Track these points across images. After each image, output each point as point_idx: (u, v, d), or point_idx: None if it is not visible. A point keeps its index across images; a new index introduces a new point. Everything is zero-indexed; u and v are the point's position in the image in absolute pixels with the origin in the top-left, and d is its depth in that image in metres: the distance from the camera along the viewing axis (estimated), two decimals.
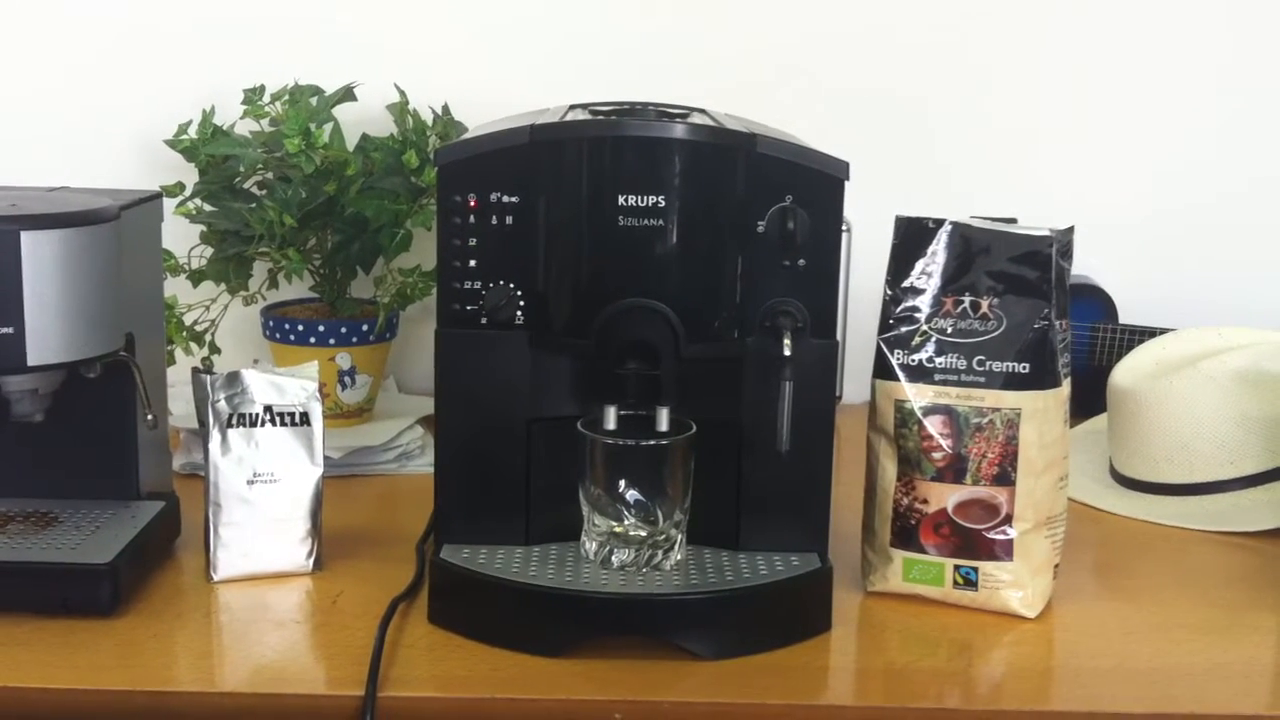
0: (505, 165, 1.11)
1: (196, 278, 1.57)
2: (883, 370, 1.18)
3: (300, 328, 1.55)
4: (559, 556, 1.15)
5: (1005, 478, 1.15)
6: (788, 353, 1.10)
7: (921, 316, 1.17)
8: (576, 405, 1.17)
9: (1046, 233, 1.16)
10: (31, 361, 1.10)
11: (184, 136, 1.57)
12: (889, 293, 1.19)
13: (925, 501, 1.17)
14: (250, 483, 1.19)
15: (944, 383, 1.16)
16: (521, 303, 1.12)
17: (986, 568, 1.16)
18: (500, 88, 1.70)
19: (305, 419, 1.21)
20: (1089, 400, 1.53)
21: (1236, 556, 1.33)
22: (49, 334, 1.10)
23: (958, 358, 1.16)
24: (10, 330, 1.09)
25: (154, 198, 1.29)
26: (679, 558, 1.15)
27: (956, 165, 1.79)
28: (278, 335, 1.57)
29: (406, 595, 1.16)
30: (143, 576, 1.18)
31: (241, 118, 1.59)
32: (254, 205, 1.54)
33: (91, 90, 1.74)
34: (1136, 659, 1.10)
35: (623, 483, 1.13)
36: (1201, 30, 1.78)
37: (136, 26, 1.74)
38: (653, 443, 1.13)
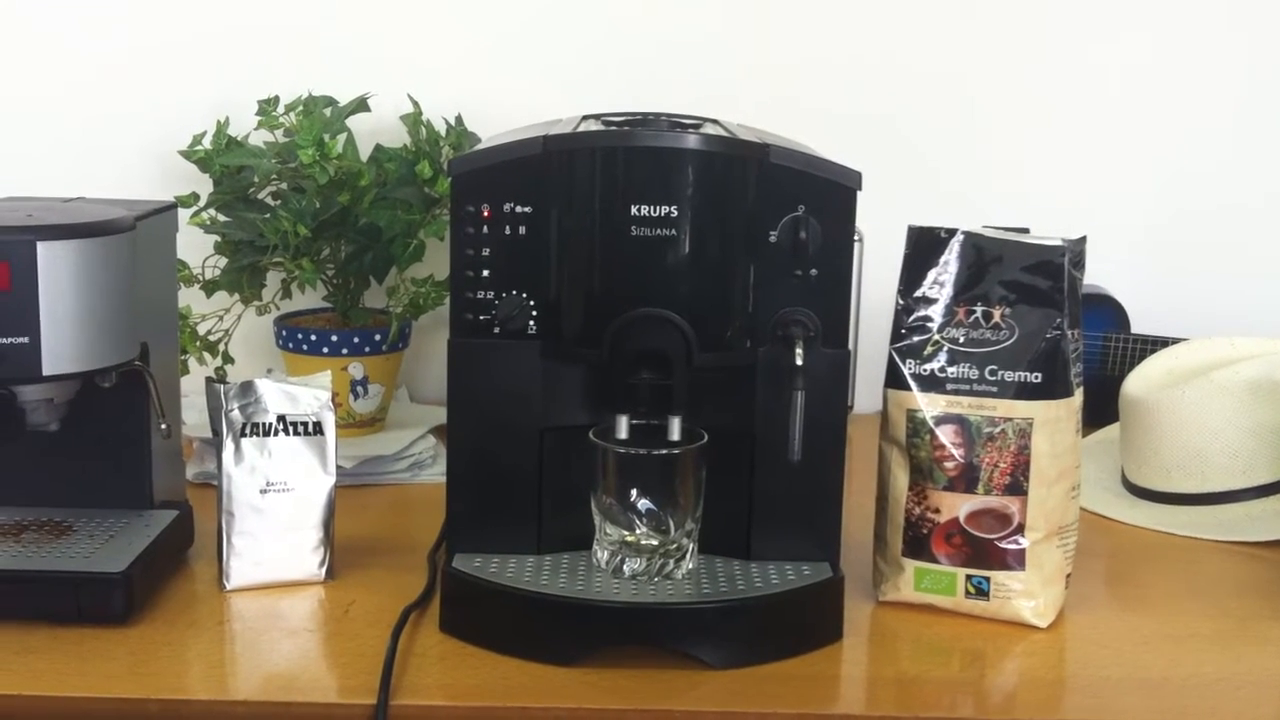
0: (518, 175, 1.11)
1: (210, 288, 1.58)
2: (895, 380, 1.18)
3: (313, 337, 1.56)
4: (570, 565, 1.15)
5: (1017, 487, 1.15)
6: (799, 362, 1.10)
7: (934, 326, 1.17)
8: (588, 414, 1.17)
9: (1059, 242, 1.16)
10: (47, 371, 1.11)
11: (198, 147, 1.58)
12: (901, 302, 1.19)
13: (937, 511, 1.17)
14: (263, 492, 1.20)
15: (956, 392, 1.16)
16: (534, 312, 1.13)
17: (998, 577, 1.16)
18: (513, 98, 1.71)
19: (318, 428, 1.21)
20: (1101, 410, 1.53)
21: (1249, 566, 1.32)
22: (64, 344, 1.11)
23: (970, 367, 1.16)
24: (26, 340, 1.09)
25: (169, 208, 1.30)
26: (690, 567, 1.15)
27: (968, 175, 1.79)
28: (291, 345, 1.57)
29: (418, 604, 1.16)
30: (156, 585, 1.19)
31: (256, 128, 1.60)
32: (268, 215, 1.54)
33: (106, 101, 1.75)
34: (1148, 669, 1.10)
35: (634, 492, 1.13)
36: (1215, 39, 1.78)
37: (151, 38, 1.75)
38: (664, 452, 1.14)
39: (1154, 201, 1.81)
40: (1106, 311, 1.72)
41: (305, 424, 1.21)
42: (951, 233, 1.18)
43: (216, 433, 1.20)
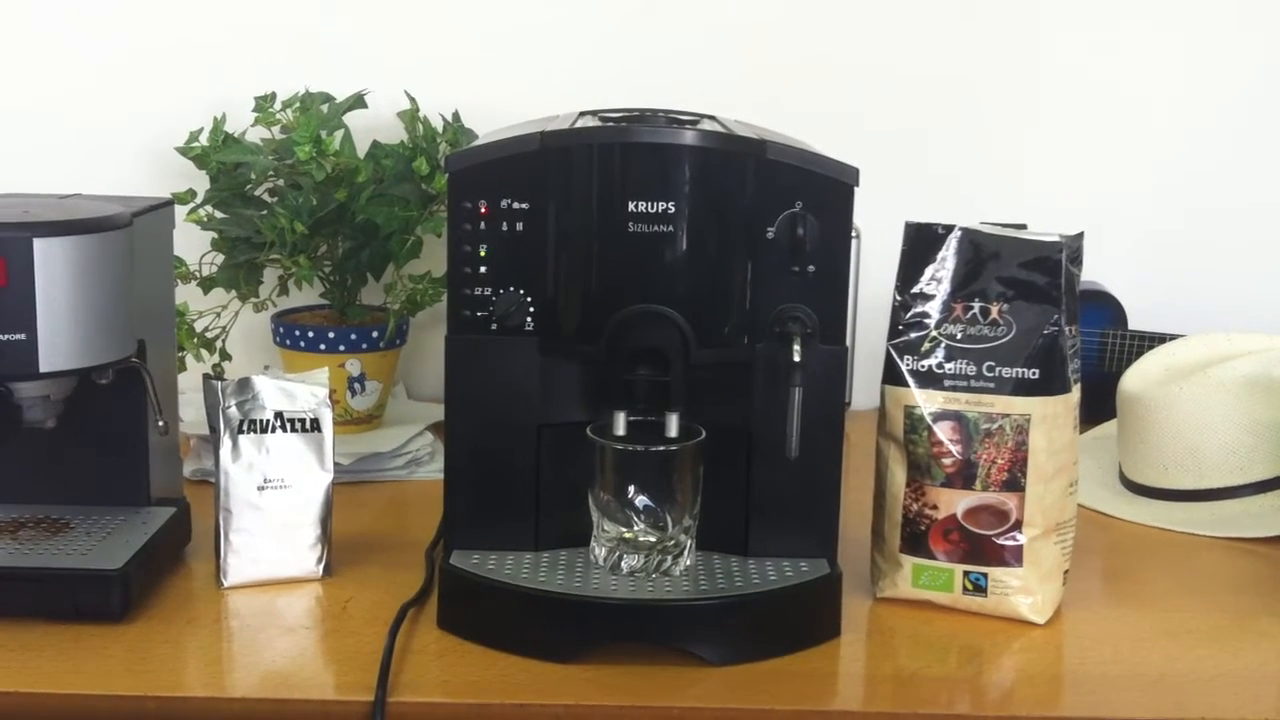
0: (516, 172, 1.11)
1: (207, 285, 1.58)
2: (892, 376, 1.18)
3: (310, 334, 1.56)
4: (568, 562, 1.15)
5: (1015, 484, 1.15)
6: (797, 359, 1.10)
7: (931, 322, 1.17)
8: (586, 411, 1.17)
9: (1056, 238, 1.16)
10: (44, 368, 1.11)
11: (195, 144, 1.57)
12: (898, 299, 1.19)
13: (935, 507, 1.17)
14: (260, 489, 1.20)
15: (954, 389, 1.16)
16: (531, 309, 1.13)
17: (996, 573, 1.16)
18: (510, 95, 1.71)
19: (315, 425, 1.21)
20: (1098, 406, 1.53)
21: (1246, 562, 1.33)
22: (61, 340, 1.11)
23: (967, 363, 1.16)
24: (23, 336, 1.09)
25: (165, 205, 1.29)
26: (688, 563, 1.15)
27: (967, 173, 1.79)
28: (288, 342, 1.57)
29: (416, 601, 1.16)
30: (153, 582, 1.19)
31: (253, 125, 1.59)
32: (265, 212, 1.54)
33: (103, 98, 1.75)
34: (1146, 665, 1.10)
35: (632, 488, 1.13)
36: (1213, 39, 1.78)
37: (148, 35, 1.75)
38: (662, 448, 1.14)
39: (1152, 199, 1.81)
40: (1104, 308, 1.72)
41: (303, 421, 1.21)
42: (949, 229, 1.18)
43: (214, 430, 1.20)
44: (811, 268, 1.13)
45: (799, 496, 1.16)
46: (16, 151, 1.74)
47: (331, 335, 1.56)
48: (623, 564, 1.13)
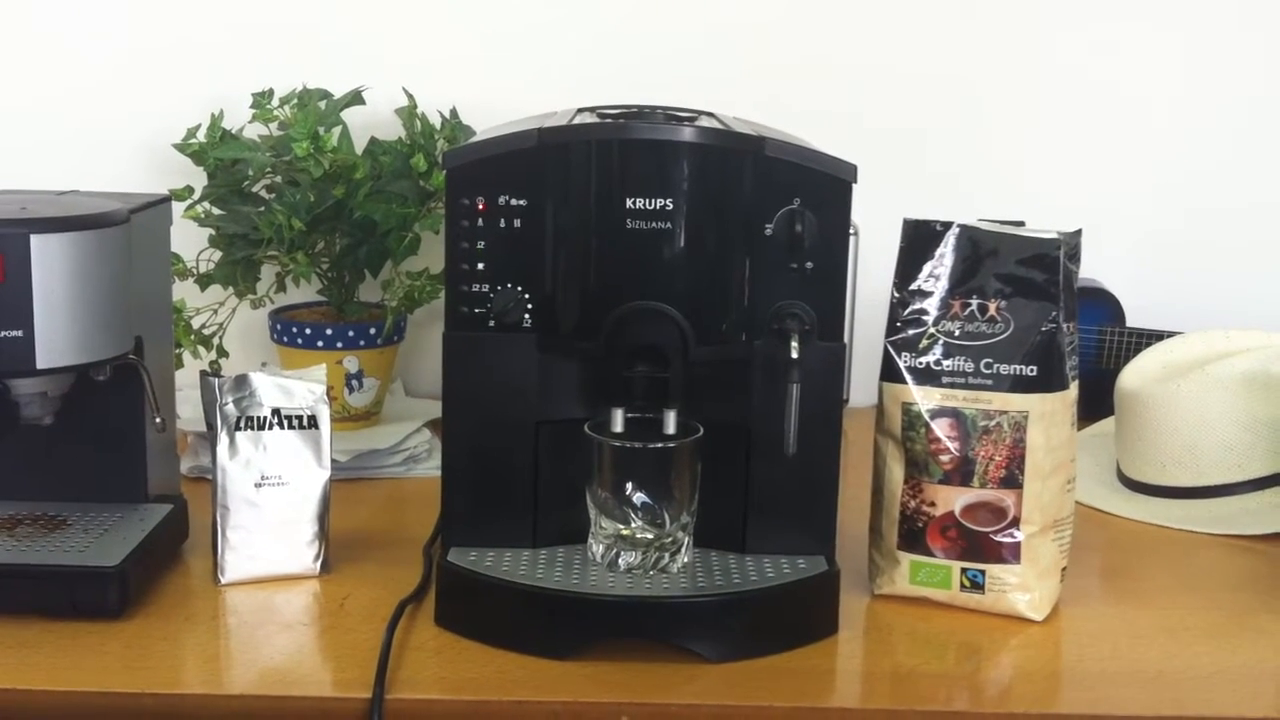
0: (513, 168, 1.11)
1: (205, 281, 1.58)
2: (890, 373, 1.18)
3: (308, 331, 1.56)
4: (566, 559, 1.15)
5: (1012, 480, 1.15)
6: (795, 355, 1.10)
7: (929, 319, 1.17)
8: (584, 408, 1.17)
9: (1054, 235, 1.16)
10: (41, 364, 1.11)
11: (193, 140, 1.57)
12: (896, 295, 1.19)
13: (932, 504, 1.17)
14: (258, 485, 1.20)
15: (951, 385, 1.16)
16: (529, 305, 1.13)
17: (994, 571, 1.16)
18: (508, 92, 1.71)
19: (313, 422, 1.21)
20: (1096, 403, 1.53)
21: (1243, 560, 1.33)
22: (58, 337, 1.11)
23: (965, 360, 1.16)
24: (20, 333, 1.09)
25: (163, 201, 1.29)
26: (686, 560, 1.15)
27: (964, 169, 1.79)
28: (285, 339, 1.57)
29: (414, 598, 1.16)
30: (150, 579, 1.19)
31: (250, 122, 1.59)
32: (262, 209, 1.54)
33: (101, 95, 1.75)
34: (1143, 662, 1.10)
35: (630, 485, 1.13)
36: (1213, 39, 1.78)
37: (146, 31, 1.74)
38: (660, 445, 1.13)
39: (1152, 199, 1.81)
40: (1102, 305, 1.72)
41: (300, 418, 1.21)
42: (947, 226, 1.18)
43: (211, 426, 1.20)
44: (810, 264, 1.13)
45: (797, 493, 1.16)
46: (14, 148, 1.74)
47: (329, 332, 1.56)
48: (620, 561, 1.13)
